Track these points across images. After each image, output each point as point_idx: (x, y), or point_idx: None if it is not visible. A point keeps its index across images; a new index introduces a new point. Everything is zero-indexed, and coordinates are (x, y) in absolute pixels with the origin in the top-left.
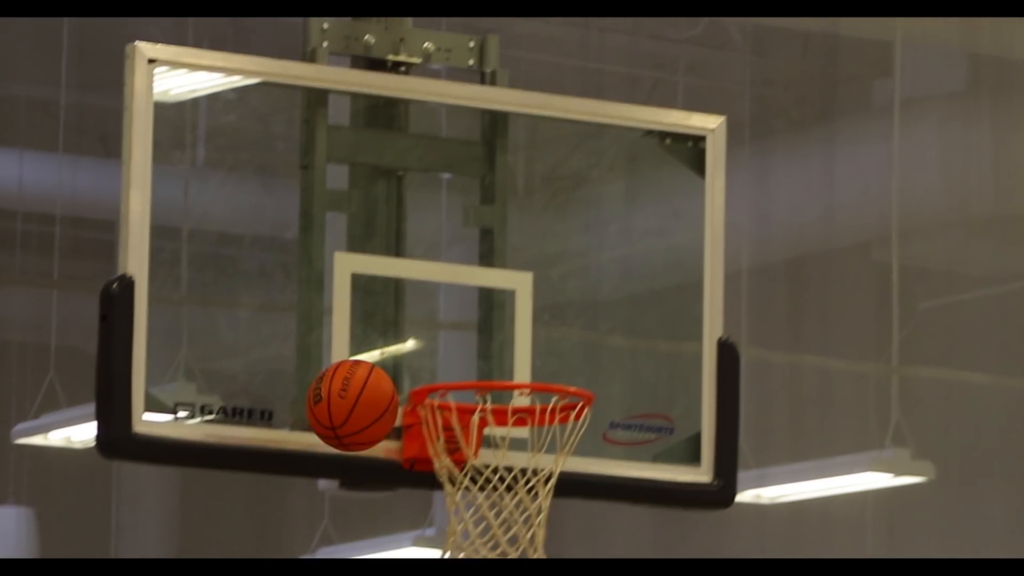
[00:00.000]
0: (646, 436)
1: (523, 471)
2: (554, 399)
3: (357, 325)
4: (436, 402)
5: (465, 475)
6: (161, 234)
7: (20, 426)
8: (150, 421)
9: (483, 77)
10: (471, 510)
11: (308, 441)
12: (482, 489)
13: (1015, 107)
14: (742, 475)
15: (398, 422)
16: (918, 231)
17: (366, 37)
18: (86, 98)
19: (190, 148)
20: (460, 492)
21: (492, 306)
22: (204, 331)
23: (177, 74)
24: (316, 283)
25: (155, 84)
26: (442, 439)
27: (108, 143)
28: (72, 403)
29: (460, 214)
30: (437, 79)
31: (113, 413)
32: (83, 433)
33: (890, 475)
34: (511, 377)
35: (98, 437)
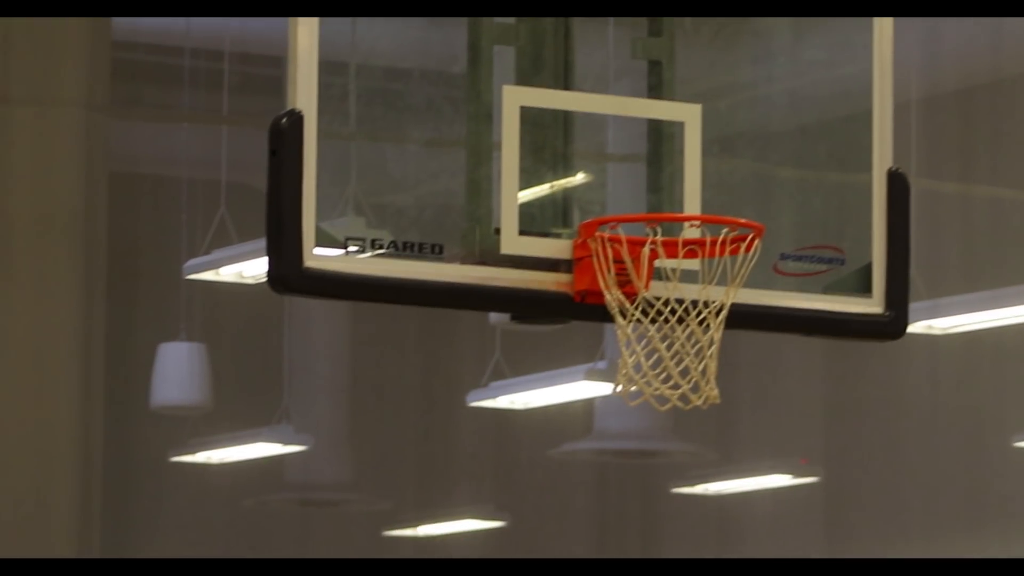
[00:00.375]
0: (817, 267)
1: (694, 303)
2: (724, 231)
3: (526, 158)
4: (606, 235)
5: (636, 307)
6: (329, 69)
7: (192, 262)
8: (321, 255)
9: None
10: (643, 343)
11: (479, 275)
12: (653, 321)
13: None
14: (914, 306)
15: (569, 255)
16: None
17: None
18: None
19: None
20: (631, 325)
21: (661, 138)
22: (373, 166)
23: None
24: (485, 117)
25: None
26: (613, 272)
27: None
28: (243, 238)
29: (628, 47)
30: None
31: (284, 248)
32: (254, 268)
33: None
34: (681, 209)
35: (269, 272)
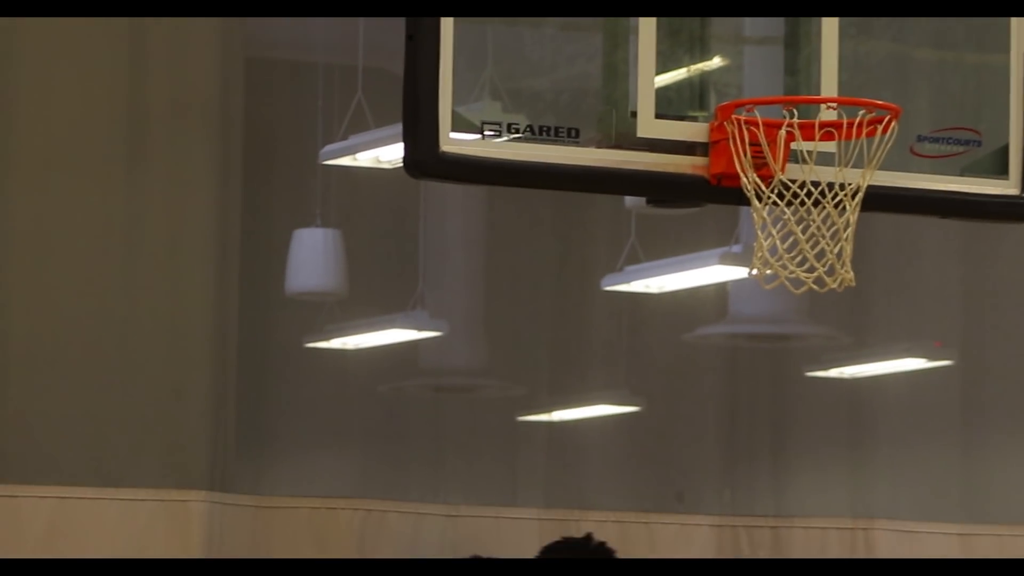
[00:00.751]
0: (954, 149)
1: (830, 185)
2: (861, 112)
3: (663, 41)
4: (743, 117)
5: (772, 190)
6: None
7: (328, 147)
8: (457, 140)
9: None
10: (778, 225)
11: (615, 158)
12: (789, 204)
13: None
14: None
15: (705, 138)
16: None
17: None
18: None
19: None
20: (767, 207)
21: (798, 20)
22: (509, 50)
23: None
24: None
25: None
26: (749, 154)
27: None
28: (380, 123)
29: None
30: None
31: (420, 133)
32: (391, 153)
33: None
34: (818, 91)
35: (406, 157)
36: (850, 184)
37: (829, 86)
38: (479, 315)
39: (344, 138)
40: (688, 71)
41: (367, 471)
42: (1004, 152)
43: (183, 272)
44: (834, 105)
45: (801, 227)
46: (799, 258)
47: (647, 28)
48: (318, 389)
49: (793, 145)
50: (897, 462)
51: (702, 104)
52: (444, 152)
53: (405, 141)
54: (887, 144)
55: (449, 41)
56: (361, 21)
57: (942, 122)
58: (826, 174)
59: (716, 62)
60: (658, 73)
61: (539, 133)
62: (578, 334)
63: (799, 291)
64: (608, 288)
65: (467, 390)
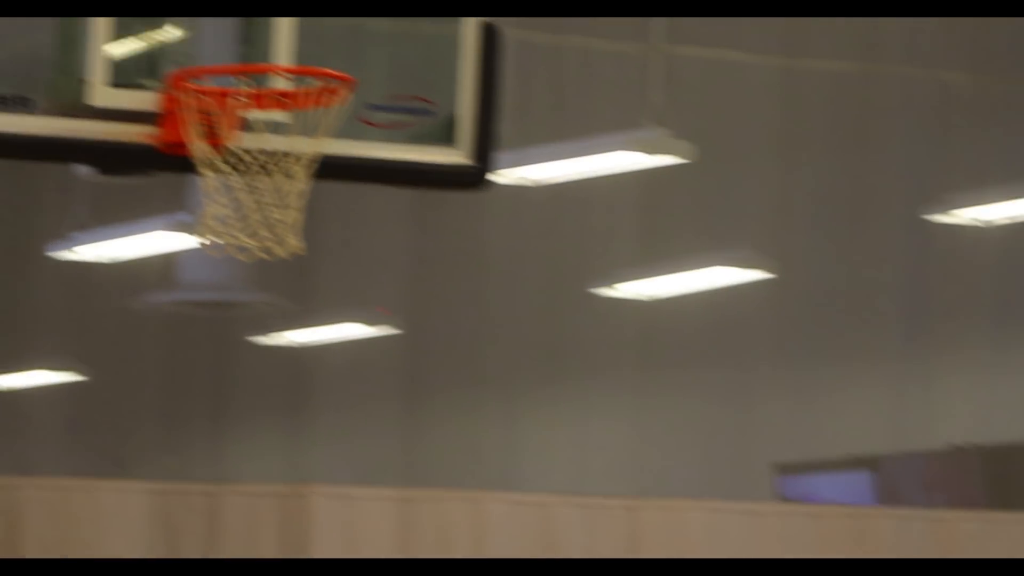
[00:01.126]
0: (405, 118)
1: (281, 154)
2: (310, 81)
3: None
4: (194, 86)
5: (222, 159)
6: None
7: None
8: None
9: None
10: (228, 194)
11: (65, 127)
12: (239, 172)
13: None
14: (503, 157)
15: (157, 107)
16: None
17: None
18: None
19: None
20: (216, 176)
21: None
22: None
23: None
24: None
25: None
26: (200, 123)
27: None
28: None
29: None
30: None
31: None
32: None
33: (650, 155)
34: (272, 61)
35: None
36: (301, 153)
37: (283, 55)
38: None
39: None
40: (142, 40)
41: None
42: (455, 121)
43: None
44: (287, 74)
45: (250, 196)
46: (248, 227)
47: None
48: None
49: (245, 114)
50: (337, 429)
51: (155, 73)
52: None
53: None
54: (338, 113)
55: None
56: None
57: (395, 91)
58: (278, 143)
59: (170, 31)
60: (111, 42)
61: None
62: (23, 302)
63: (247, 258)
64: (54, 255)
65: None
